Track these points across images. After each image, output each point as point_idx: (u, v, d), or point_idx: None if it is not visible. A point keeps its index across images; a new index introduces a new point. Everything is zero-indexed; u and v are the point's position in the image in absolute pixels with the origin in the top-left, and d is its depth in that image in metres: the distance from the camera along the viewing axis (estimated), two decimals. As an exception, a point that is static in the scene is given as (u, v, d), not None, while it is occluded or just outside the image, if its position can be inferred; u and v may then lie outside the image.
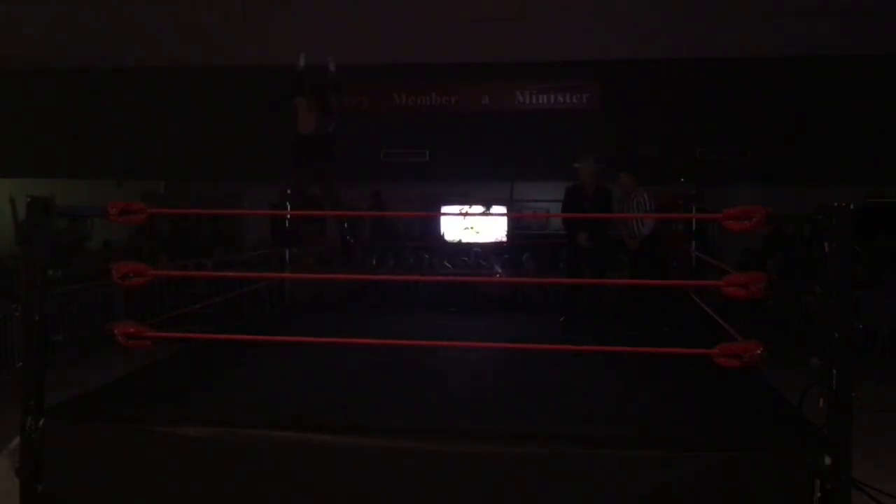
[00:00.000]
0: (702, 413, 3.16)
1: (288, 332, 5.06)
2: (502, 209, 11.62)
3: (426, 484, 2.69)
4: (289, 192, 6.15)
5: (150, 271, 3.11)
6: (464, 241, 11.38)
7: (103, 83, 11.82)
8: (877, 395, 6.08)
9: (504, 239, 11.43)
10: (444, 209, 11.44)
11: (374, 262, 10.04)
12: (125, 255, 10.25)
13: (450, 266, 10.08)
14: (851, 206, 2.59)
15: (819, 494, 2.54)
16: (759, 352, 2.68)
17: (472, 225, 11.66)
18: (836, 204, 2.58)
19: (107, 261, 9.66)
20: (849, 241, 2.59)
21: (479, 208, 11.39)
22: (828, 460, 2.54)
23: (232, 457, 2.78)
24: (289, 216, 6.40)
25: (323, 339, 3.89)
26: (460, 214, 10.87)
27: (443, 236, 11.75)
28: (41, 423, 2.86)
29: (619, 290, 6.67)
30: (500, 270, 9.52)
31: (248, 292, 8.60)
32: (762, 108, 10.79)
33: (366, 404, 3.24)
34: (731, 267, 5.14)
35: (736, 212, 2.80)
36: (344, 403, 3.25)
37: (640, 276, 5.76)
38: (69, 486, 2.85)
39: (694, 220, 6.05)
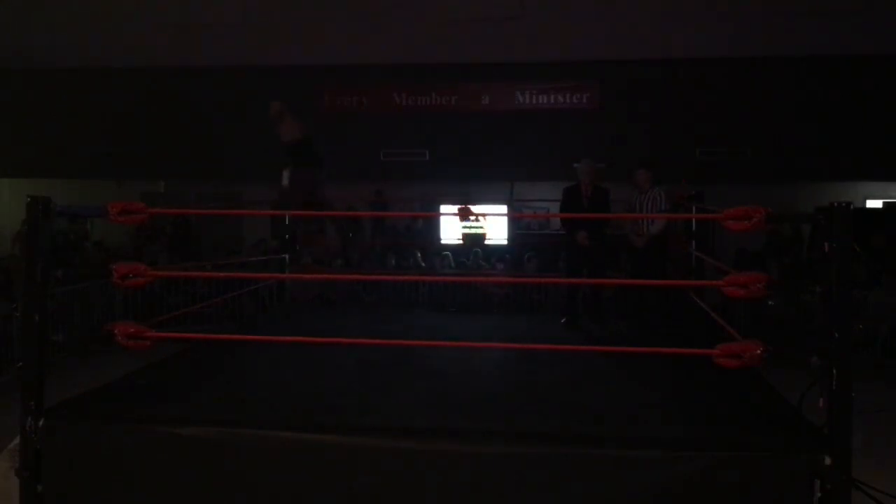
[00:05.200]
0: (702, 413, 3.16)
1: (288, 332, 5.06)
2: (503, 209, 11.62)
3: (426, 484, 2.69)
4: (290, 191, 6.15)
5: (149, 271, 3.11)
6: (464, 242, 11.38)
7: (103, 83, 11.81)
8: (877, 395, 6.09)
9: (504, 241, 11.42)
10: (444, 209, 11.43)
11: (374, 262, 10.05)
12: (125, 255, 10.26)
13: (452, 266, 10.10)
14: (851, 206, 2.59)
15: (819, 494, 2.54)
16: (759, 352, 2.68)
17: (471, 225, 11.65)
18: (836, 204, 2.59)
19: (102, 260, 9.68)
20: (849, 241, 2.59)
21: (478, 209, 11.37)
22: (828, 460, 2.54)
23: (232, 457, 2.78)
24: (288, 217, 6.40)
25: (323, 340, 3.89)
26: (459, 215, 10.84)
27: (440, 240, 11.74)
28: (41, 423, 2.86)
29: (618, 290, 6.68)
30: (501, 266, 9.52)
31: (248, 292, 8.61)
32: (762, 108, 10.79)
33: (366, 404, 3.24)
34: (727, 267, 5.14)
35: (736, 212, 2.80)
36: (344, 403, 3.25)
37: (641, 276, 5.76)
38: (69, 486, 2.85)
39: (694, 220, 6.05)
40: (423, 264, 10.12)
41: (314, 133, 6.15)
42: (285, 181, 6.00)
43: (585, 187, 5.81)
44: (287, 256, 6.36)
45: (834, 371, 2.58)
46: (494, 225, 11.58)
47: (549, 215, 11.02)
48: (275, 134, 6.04)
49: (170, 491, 2.80)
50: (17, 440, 2.90)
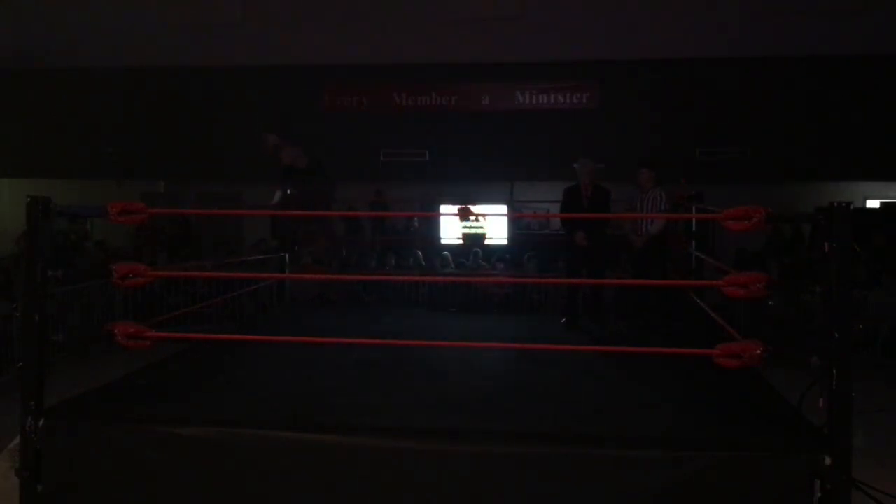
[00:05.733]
0: (702, 413, 3.16)
1: (288, 331, 5.06)
2: (503, 209, 11.62)
3: (426, 484, 2.69)
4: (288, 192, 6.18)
5: (149, 272, 3.11)
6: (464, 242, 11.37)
7: (103, 83, 11.81)
8: (877, 395, 6.09)
9: (504, 241, 11.42)
10: (444, 209, 11.43)
11: (374, 262, 10.05)
12: (125, 255, 10.26)
13: (452, 266, 10.10)
14: (851, 206, 2.59)
15: (819, 494, 2.54)
16: (759, 352, 2.67)
17: (472, 225, 11.65)
18: (836, 204, 2.59)
19: (102, 260, 9.67)
20: (849, 241, 2.59)
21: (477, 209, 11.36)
22: (828, 460, 2.54)
23: (232, 457, 2.78)
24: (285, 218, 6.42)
25: (322, 340, 3.88)
26: (459, 215, 10.84)
27: (440, 240, 11.72)
28: (41, 423, 2.86)
29: (617, 290, 6.68)
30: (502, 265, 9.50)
31: (248, 292, 8.61)
32: (762, 108, 10.79)
33: (366, 404, 3.24)
34: (727, 267, 5.14)
35: (736, 212, 2.80)
36: (344, 404, 3.25)
37: (641, 276, 5.77)
38: (69, 486, 2.85)
39: (694, 220, 6.04)
40: (424, 263, 10.12)
41: (315, 134, 6.19)
42: (276, 200, 6.04)
43: (585, 187, 5.81)
44: (287, 256, 6.36)
45: (834, 371, 2.58)
46: (494, 225, 11.58)
47: (549, 215, 11.01)
48: (275, 159, 6.09)
49: (170, 491, 2.80)
50: (17, 440, 2.90)
